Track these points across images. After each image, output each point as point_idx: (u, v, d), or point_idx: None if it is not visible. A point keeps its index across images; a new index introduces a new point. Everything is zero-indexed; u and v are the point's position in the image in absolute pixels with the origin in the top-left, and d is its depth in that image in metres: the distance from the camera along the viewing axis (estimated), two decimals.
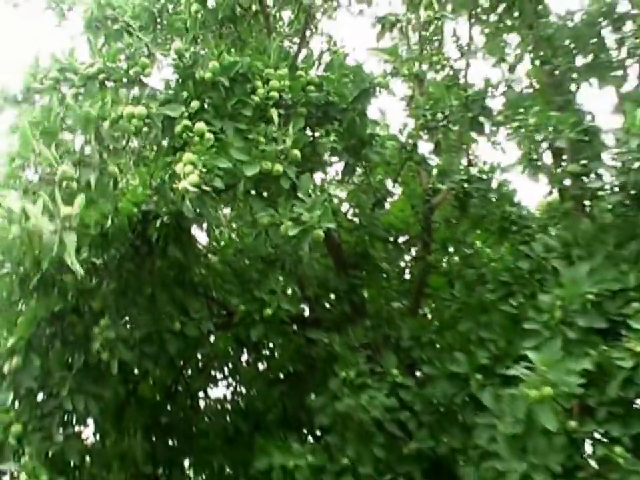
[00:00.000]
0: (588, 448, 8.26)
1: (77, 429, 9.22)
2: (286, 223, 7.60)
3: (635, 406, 8.23)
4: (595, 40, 10.96)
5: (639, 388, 7.82)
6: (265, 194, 8.10)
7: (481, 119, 9.77)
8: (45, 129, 6.47)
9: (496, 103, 10.23)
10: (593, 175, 9.93)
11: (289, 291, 10.08)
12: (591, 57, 11.01)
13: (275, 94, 8.13)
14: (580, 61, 11.07)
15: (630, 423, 7.95)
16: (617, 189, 9.54)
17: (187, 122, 7.67)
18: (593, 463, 8.07)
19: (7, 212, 6.09)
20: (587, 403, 8.04)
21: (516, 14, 11.33)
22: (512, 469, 7.89)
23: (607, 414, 8.01)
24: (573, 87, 11.01)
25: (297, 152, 7.92)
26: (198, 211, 7.41)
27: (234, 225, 11.81)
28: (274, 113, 8.06)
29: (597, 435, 8.13)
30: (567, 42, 11.00)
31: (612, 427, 7.95)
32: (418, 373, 10.15)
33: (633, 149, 8.38)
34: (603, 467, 7.83)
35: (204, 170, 7.26)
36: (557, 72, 11.00)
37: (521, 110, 9.65)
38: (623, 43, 10.95)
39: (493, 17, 11.72)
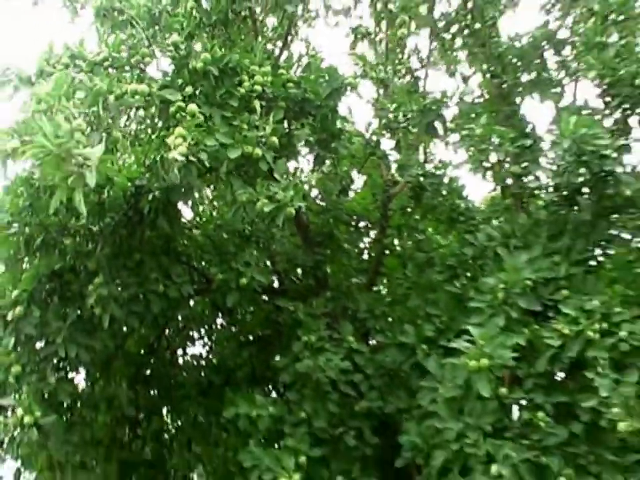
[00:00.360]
0: (515, 412, 8.26)
1: (69, 374, 9.16)
2: (262, 200, 7.59)
3: (557, 378, 8.26)
4: (538, 60, 10.96)
5: (563, 364, 7.87)
6: (244, 176, 8.00)
7: (436, 124, 9.75)
8: (59, 94, 6.33)
9: (450, 111, 10.25)
10: (531, 176, 9.94)
11: (262, 264, 9.94)
12: (534, 74, 11.00)
13: (258, 87, 8.08)
14: (525, 77, 11.06)
15: (552, 392, 8.02)
16: (551, 189, 9.55)
17: (180, 103, 7.61)
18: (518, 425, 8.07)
19: (55, 127, 5.89)
20: (517, 374, 8.06)
21: (467, 31, 11.29)
22: (449, 427, 7.94)
23: (533, 384, 8.06)
24: (518, 99, 11.00)
25: (275, 139, 7.88)
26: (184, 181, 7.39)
27: (215, 204, 11.69)
28: (257, 104, 8.00)
29: (523, 402, 8.15)
30: (514, 60, 10.98)
31: (537, 395, 8.00)
32: (371, 341, 10.13)
33: (566, 148, 8.33)
34: (527, 429, 7.87)
35: (192, 142, 7.21)
36: (504, 85, 10.98)
37: (472, 117, 9.62)
38: (562, 65, 10.95)
39: (447, 35, 11.70)
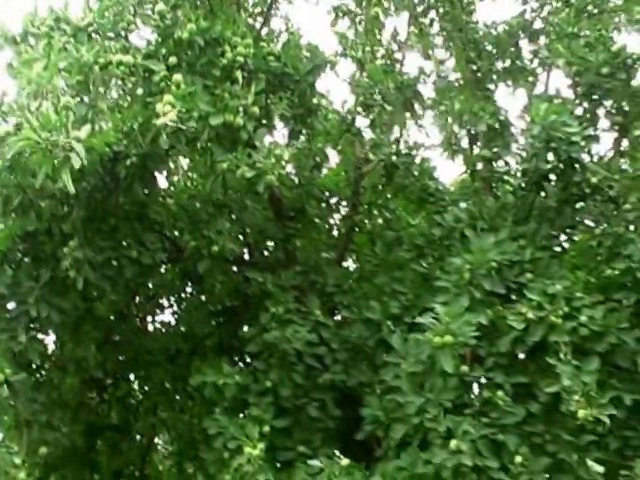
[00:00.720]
0: (475, 390, 8.33)
1: (39, 335, 9.02)
2: (242, 168, 7.60)
3: (517, 359, 8.31)
4: (513, 48, 11.00)
5: (526, 346, 7.93)
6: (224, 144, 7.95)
7: (413, 101, 9.73)
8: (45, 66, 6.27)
9: (426, 90, 10.25)
10: (501, 161, 9.98)
11: (233, 234, 9.89)
12: (508, 62, 11.03)
13: (240, 59, 8.02)
14: (499, 64, 11.08)
15: (512, 373, 8.08)
16: (519, 175, 9.58)
17: (165, 73, 7.57)
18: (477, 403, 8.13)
19: (45, 119, 5.85)
20: (478, 352, 8.10)
21: (445, 17, 11.29)
22: (410, 402, 7.95)
23: (494, 363, 8.11)
24: (492, 86, 11.02)
25: (256, 109, 7.87)
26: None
27: (190, 175, 11.58)
28: (238, 74, 7.96)
29: (483, 380, 8.20)
30: (489, 47, 10.99)
31: (497, 374, 8.05)
32: (338, 316, 10.11)
33: (535, 134, 8.36)
34: (486, 407, 7.90)
35: (183, 110, 7.21)
36: (479, 71, 11.00)
37: (449, 96, 9.64)
38: (536, 54, 11.00)
39: (426, 20, 11.68)
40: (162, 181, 10.06)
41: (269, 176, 7.62)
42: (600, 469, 7.56)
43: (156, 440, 13.13)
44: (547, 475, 7.60)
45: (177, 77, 7.53)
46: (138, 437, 12.28)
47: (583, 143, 8.49)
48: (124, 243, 8.98)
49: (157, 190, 9.68)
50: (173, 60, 7.80)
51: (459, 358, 7.62)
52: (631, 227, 8.62)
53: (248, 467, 8.00)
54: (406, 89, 9.69)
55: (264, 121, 8.45)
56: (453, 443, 7.42)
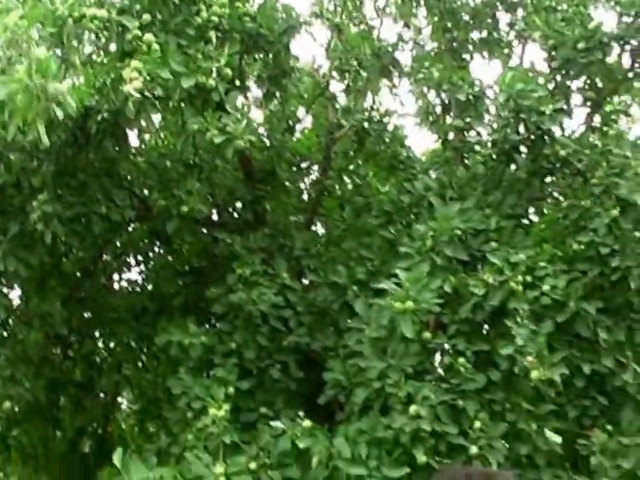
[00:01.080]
0: (437, 357, 8.48)
1: (5, 290, 9.12)
2: (212, 131, 7.61)
3: (480, 327, 8.47)
4: (490, 20, 11.02)
5: (485, 313, 8.04)
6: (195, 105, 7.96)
7: (390, 67, 9.79)
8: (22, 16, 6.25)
9: (404, 58, 10.29)
10: (473, 132, 10.05)
11: (203, 195, 9.90)
12: (485, 33, 11.08)
13: (215, 18, 7.98)
14: (476, 35, 11.13)
15: (474, 340, 8.23)
16: (490, 145, 9.68)
17: (137, 32, 7.50)
18: (439, 369, 8.29)
19: (40, 64, 5.87)
20: (442, 320, 8.22)
21: None
22: (372, 366, 8.05)
23: (456, 330, 8.24)
24: (467, 56, 11.08)
25: (229, 71, 7.86)
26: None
27: (161, 134, 11.55)
28: (213, 34, 7.95)
29: (446, 347, 8.31)
30: (466, 17, 11.03)
31: (459, 341, 8.18)
32: (305, 280, 10.16)
33: (502, 102, 8.48)
34: (447, 374, 8.06)
35: (148, 78, 7.19)
36: (455, 42, 11.04)
37: (426, 65, 9.68)
38: (513, 26, 11.05)
39: None
40: (133, 138, 10.08)
41: (238, 141, 7.63)
42: (558, 439, 7.72)
43: (119, 398, 13.22)
44: (507, 445, 7.74)
45: (148, 36, 7.50)
46: (101, 394, 12.35)
47: (552, 114, 8.56)
48: (94, 199, 8.93)
49: (128, 147, 9.60)
50: (146, 17, 7.72)
51: (420, 324, 7.75)
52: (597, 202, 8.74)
53: (213, 428, 8.09)
54: (384, 55, 9.76)
55: (237, 82, 8.47)
56: (412, 408, 7.52)
